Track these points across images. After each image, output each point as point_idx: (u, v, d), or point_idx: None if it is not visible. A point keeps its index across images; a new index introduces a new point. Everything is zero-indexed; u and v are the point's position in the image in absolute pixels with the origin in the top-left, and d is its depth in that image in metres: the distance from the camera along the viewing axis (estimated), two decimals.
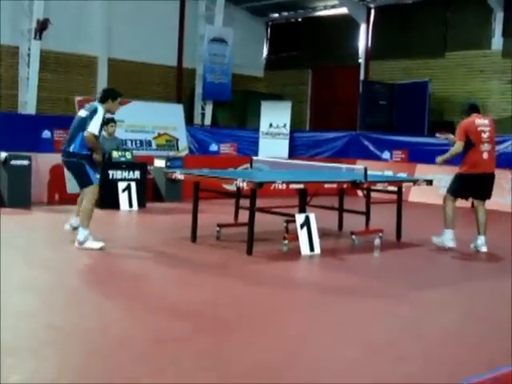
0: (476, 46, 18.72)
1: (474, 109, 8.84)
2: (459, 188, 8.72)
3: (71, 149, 7.97)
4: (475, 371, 4.13)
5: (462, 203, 9.13)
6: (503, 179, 13.22)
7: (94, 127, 7.84)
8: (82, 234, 7.94)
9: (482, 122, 8.67)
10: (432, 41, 19.62)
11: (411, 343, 4.98)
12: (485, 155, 8.55)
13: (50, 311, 5.49)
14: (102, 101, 8.10)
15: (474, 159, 8.53)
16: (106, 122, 11.17)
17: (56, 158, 12.92)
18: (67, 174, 12.59)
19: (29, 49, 17.17)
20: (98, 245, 7.92)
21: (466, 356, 4.75)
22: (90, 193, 7.98)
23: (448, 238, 8.77)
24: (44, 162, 12.64)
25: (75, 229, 8.54)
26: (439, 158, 8.81)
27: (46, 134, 15.02)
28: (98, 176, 8.27)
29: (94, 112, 7.90)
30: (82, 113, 8.11)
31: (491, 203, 9.16)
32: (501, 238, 9.80)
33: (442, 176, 12.86)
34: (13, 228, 9.74)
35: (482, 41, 18.56)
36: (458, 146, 8.57)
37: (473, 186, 8.67)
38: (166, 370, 4.15)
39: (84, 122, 7.92)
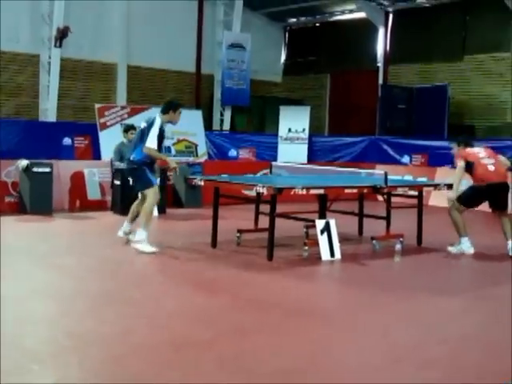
0: (495, 49, 18.58)
1: (468, 143, 9.11)
2: (470, 198, 8.87)
3: (132, 157, 8.42)
4: (499, 377, 4.11)
5: (483, 207, 9.15)
6: None
7: (151, 141, 8.18)
8: (139, 234, 8.19)
9: (474, 149, 8.99)
10: (451, 44, 19.50)
11: (434, 349, 4.96)
12: (490, 167, 8.78)
13: (71, 318, 5.51)
14: (164, 112, 8.41)
15: (481, 173, 8.77)
16: (126, 130, 11.30)
17: (77, 165, 13.16)
18: (89, 181, 12.81)
19: (49, 57, 17.31)
20: (150, 249, 8.14)
21: (489, 361, 4.72)
22: (151, 195, 8.30)
23: (467, 246, 8.88)
24: (65, 169, 12.76)
25: (128, 234, 8.70)
26: (450, 194, 8.87)
27: (67, 141, 15.15)
28: (158, 180, 8.49)
29: (151, 125, 8.25)
30: (142, 124, 8.48)
31: None
32: None
33: (463, 180, 12.73)
34: (34, 235, 9.84)
35: (502, 44, 18.41)
36: (459, 169, 8.82)
37: (484, 196, 8.87)
38: (189, 376, 4.17)
39: (142, 134, 8.31)
